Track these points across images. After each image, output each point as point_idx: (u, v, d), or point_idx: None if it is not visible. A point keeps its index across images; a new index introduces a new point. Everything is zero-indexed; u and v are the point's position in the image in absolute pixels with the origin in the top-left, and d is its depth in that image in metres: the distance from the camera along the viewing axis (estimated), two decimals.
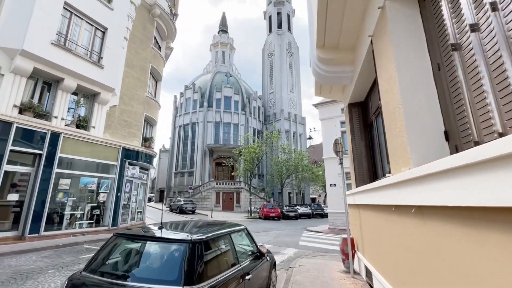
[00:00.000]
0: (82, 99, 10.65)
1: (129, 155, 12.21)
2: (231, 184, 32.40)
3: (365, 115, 5.31)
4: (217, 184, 32.28)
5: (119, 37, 11.73)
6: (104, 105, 11.17)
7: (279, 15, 50.40)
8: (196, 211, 27.20)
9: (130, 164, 12.25)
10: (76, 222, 9.97)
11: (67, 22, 9.84)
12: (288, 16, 51.13)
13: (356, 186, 5.08)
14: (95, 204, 10.68)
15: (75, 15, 10.10)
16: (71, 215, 9.83)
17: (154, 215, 22.52)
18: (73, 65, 9.53)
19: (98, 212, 10.76)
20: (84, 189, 10.28)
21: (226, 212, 29.43)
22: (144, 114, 13.45)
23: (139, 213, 13.83)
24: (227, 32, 54.03)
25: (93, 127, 10.67)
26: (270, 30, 51.03)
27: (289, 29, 50.37)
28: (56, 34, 9.28)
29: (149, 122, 14.80)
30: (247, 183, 29.51)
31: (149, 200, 51.02)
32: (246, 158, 24.16)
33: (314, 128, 18.40)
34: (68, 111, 10.30)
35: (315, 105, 17.52)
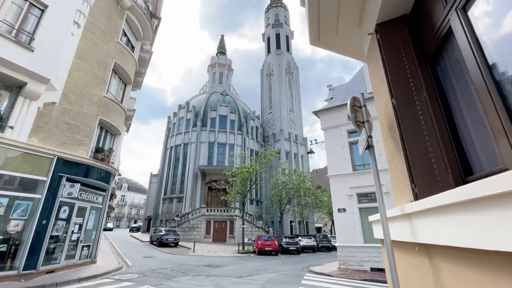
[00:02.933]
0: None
1: (68, 169, 9.25)
2: (224, 211, 28.72)
3: (419, 39, 2.39)
4: (207, 211, 28.63)
5: (66, 21, 9.42)
6: (33, 101, 8.48)
7: (277, 36, 50.26)
8: (181, 243, 23.35)
9: (69, 180, 9.24)
10: None
11: None
12: (287, 37, 50.98)
13: (417, 198, 2.00)
14: (1, 237, 7.48)
15: None
16: None
17: (127, 249, 18.84)
18: None
19: (5, 249, 7.52)
20: None
21: (216, 245, 25.42)
22: (99, 118, 10.73)
23: (85, 248, 10.46)
24: (225, 54, 53.80)
25: (11, 127, 7.87)
26: (269, 51, 50.56)
27: (288, 49, 49.86)
28: None
29: (109, 130, 12.04)
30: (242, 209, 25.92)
31: (137, 229, 46.72)
32: (238, 180, 20.92)
33: (316, 140, 15.38)
34: None
35: (316, 113, 14.79)
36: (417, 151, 2.14)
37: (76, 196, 9.19)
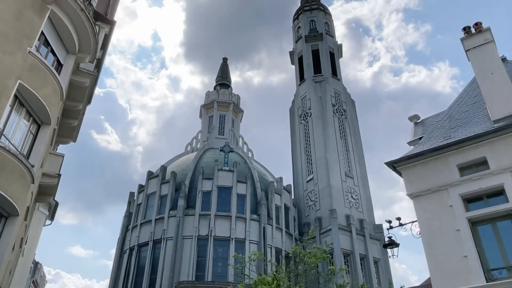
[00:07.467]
0: None
1: None
2: None
3: None
4: None
5: None
6: None
7: (315, 53, 52.58)
8: None
9: None
10: None
11: None
12: (331, 54, 53.30)
13: None
14: None
15: None
16: None
17: None
18: None
19: None
20: None
21: None
22: None
23: None
24: (229, 86, 56.41)
25: None
26: (301, 78, 52.49)
27: (334, 73, 51.39)
28: None
29: None
30: None
31: None
32: None
33: (400, 219, 13.39)
34: None
35: (394, 164, 13.40)
36: None
37: None
